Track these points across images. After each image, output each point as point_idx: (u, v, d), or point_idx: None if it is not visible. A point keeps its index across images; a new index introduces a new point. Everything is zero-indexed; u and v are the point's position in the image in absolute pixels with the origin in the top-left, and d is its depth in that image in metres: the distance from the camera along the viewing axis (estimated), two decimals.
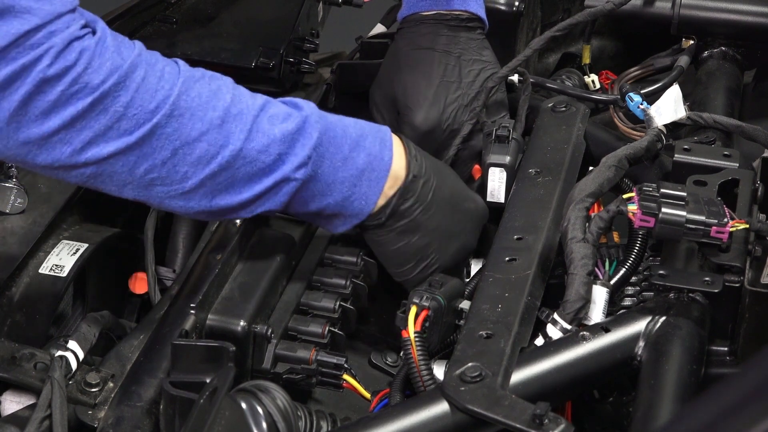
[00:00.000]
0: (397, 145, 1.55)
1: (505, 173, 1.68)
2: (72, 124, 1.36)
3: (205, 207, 1.46)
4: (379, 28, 2.09)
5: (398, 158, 1.54)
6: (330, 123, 1.50)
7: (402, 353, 1.45)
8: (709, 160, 1.61)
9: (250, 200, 1.47)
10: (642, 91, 1.78)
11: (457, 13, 1.85)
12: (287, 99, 1.51)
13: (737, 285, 1.43)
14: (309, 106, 1.50)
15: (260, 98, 1.47)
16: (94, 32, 1.37)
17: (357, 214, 1.53)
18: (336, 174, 1.50)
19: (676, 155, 1.63)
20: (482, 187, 1.70)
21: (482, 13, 1.86)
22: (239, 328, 1.47)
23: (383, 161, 1.53)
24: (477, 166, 1.79)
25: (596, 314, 1.44)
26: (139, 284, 1.73)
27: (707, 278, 1.43)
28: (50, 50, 1.33)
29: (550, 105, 1.80)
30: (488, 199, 1.69)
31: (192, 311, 1.45)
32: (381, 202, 1.53)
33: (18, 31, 1.31)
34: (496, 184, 1.69)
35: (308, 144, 1.46)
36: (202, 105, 1.42)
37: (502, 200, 1.68)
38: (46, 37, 1.33)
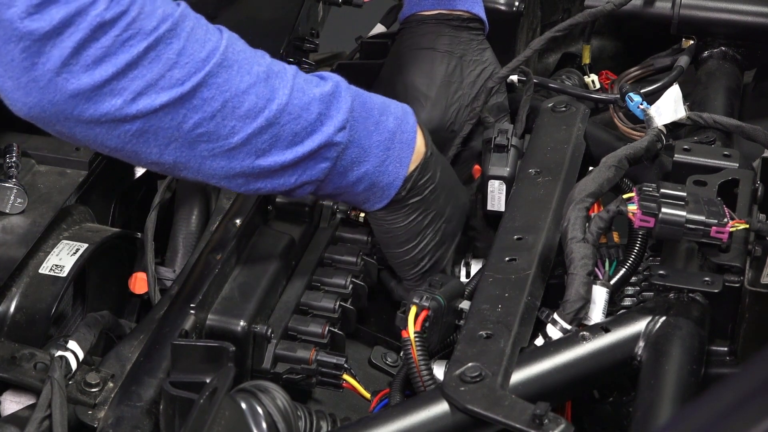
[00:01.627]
0: (416, 120, 1.58)
1: (504, 185, 1.68)
2: (124, 73, 1.32)
3: (248, 167, 1.43)
4: (379, 28, 2.09)
5: (419, 133, 1.56)
6: (357, 90, 1.52)
7: (402, 353, 1.44)
8: (709, 160, 1.61)
9: (293, 163, 1.45)
10: (642, 91, 1.78)
11: (458, 13, 1.85)
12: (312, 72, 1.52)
13: (737, 285, 1.43)
14: (335, 75, 1.51)
15: (291, 65, 1.48)
16: None
17: (392, 182, 1.54)
18: (371, 138, 1.50)
19: (676, 155, 1.63)
20: (481, 187, 1.70)
21: (483, 15, 1.87)
22: (239, 328, 1.47)
23: (409, 124, 1.55)
24: (477, 166, 1.79)
25: (596, 314, 1.44)
26: (139, 284, 1.73)
27: (707, 278, 1.43)
28: None
29: (550, 105, 1.80)
30: (488, 208, 1.70)
31: (192, 311, 1.45)
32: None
33: None
34: (496, 195, 1.69)
35: (344, 107, 1.47)
36: (248, 59, 1.41)
37: (503, 209, 1.68)
38: None
